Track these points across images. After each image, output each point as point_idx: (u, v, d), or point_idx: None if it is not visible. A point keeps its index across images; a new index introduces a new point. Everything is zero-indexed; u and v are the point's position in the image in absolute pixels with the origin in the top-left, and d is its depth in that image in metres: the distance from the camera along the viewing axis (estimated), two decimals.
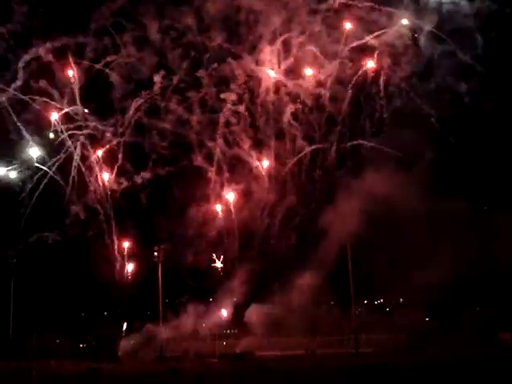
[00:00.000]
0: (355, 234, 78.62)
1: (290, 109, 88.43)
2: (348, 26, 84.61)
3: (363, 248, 78.79)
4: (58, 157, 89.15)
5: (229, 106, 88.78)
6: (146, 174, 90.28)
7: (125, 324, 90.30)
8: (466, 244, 72.70)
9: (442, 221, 76.61)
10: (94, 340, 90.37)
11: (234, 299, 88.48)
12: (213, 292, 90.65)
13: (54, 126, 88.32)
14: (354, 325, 79.80)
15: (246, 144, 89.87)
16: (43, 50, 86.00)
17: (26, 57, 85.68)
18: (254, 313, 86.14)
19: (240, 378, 56.22)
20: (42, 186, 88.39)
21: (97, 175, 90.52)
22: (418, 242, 74.68)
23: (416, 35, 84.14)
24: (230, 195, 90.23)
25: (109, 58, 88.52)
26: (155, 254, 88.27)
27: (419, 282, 74.50)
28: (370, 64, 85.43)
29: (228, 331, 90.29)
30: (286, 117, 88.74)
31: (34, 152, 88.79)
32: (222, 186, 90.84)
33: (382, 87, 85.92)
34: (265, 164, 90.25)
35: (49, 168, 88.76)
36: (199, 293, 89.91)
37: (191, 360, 78.78)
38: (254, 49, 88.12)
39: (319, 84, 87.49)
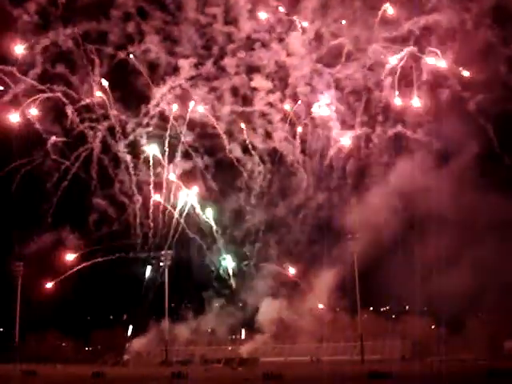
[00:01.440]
0: (372, 237, 77.09)
1: (325, 98, 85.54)
2: (388, 10, 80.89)
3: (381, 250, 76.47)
4: (82, 149, 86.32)
5: (261, 95, 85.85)
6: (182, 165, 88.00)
7: (130, 327, 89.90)
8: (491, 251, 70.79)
9: (472, 224, 73.61)
10: (100, 344, 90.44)
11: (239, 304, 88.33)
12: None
13: (71, 116, 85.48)
14: (360, 332, 79.13)
15: (282, 134, 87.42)
16: (63, 36, 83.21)
17: (45, 41, 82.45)
18: (266, 308, 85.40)
19: (244, 383, 56.24)
20: (69, 177, 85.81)
21: (126, 167, 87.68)
22: (439, 247, 71.88)
23: None
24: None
25: (133, 45, 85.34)
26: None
27: (432, 289, 73.48)
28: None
29: (233, 336, 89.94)
30: (321, 106, 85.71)
31: None
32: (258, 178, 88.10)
33: (424, 75, 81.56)
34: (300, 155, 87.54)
35: (72, 161, 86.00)
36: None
37: (197, 364, 78.81)
38: (284, 38, 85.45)
39: (358, 70, 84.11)
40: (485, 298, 71.71)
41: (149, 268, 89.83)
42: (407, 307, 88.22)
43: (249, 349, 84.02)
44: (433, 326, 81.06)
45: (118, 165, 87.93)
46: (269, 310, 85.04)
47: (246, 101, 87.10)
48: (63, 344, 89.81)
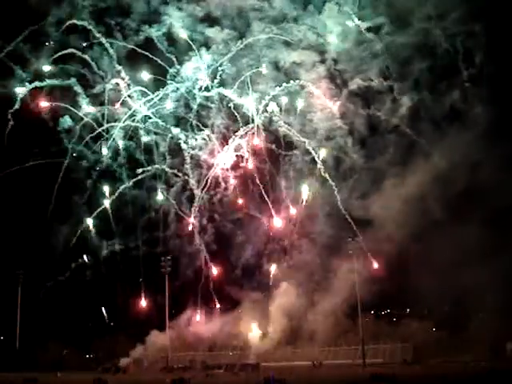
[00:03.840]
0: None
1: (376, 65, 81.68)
2: None
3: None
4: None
5: (299, 72, 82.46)
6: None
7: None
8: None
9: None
10: (101, 351, 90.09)
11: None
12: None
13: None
14: (361, 335, 78.83)
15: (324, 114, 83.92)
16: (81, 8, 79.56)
17: (58, 13, 79.16)
18: (282, 292, 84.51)
19: None
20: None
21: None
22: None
23: None
24: None
25: (156, 21, 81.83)
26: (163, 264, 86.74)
27: (433, 291, 73.03)
28: None
29: (235, 342, 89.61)
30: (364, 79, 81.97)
31: None
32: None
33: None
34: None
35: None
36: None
37: (198, 370, 78.60)
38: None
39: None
40: (486, 298, 71.56)
41: None
42: (408, 310, 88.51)
43: (250, 354, 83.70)
44: (434, 329, 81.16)
45: (147, 151, 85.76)
46: (284, 296, 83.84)
47: (285, 76, 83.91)
48: (64, 352, 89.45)
